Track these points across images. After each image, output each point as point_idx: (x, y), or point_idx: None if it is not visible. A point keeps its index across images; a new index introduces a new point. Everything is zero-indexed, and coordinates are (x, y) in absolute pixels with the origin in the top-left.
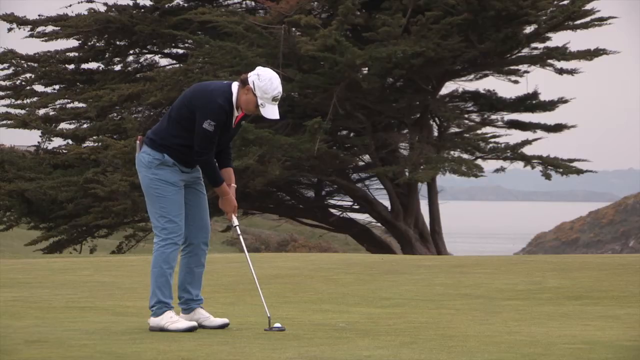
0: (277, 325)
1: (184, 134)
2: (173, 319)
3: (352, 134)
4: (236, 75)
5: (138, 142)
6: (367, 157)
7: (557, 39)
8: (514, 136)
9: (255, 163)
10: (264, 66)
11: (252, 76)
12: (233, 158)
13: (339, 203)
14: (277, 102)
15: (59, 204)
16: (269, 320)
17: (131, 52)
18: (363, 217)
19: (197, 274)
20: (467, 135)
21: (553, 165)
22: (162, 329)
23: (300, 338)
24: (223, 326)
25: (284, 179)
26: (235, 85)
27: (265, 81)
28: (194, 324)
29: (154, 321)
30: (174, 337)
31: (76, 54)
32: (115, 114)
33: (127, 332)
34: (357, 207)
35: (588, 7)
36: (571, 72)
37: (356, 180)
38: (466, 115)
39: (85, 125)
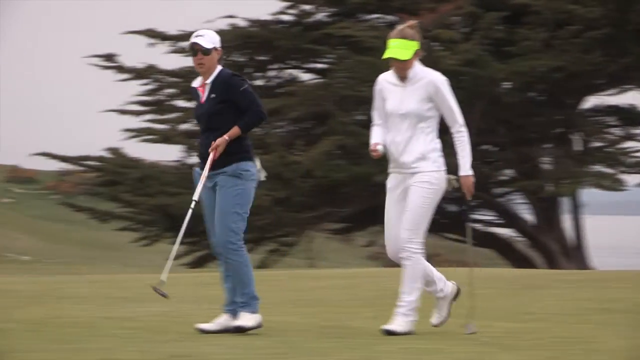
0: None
1: None
2: None
3: (493, 148)
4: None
5: None
6: (507, 171)
7: None
8: None
9: None
10: None
11: None
12: None
13: (481, 217)
14: None
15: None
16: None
17: (272, 66)
18: (505, 232)
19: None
20: (609, 149)
21: None
22: None
23: (441, 352)
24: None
25: None
26: None
27: None
28: None
29: None
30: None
31: None
32: (257, 129)
33: (267, 347)
34: (500, 221)
35: None
36: None
37: (497, 194)
38: (608, 130)
39: None
